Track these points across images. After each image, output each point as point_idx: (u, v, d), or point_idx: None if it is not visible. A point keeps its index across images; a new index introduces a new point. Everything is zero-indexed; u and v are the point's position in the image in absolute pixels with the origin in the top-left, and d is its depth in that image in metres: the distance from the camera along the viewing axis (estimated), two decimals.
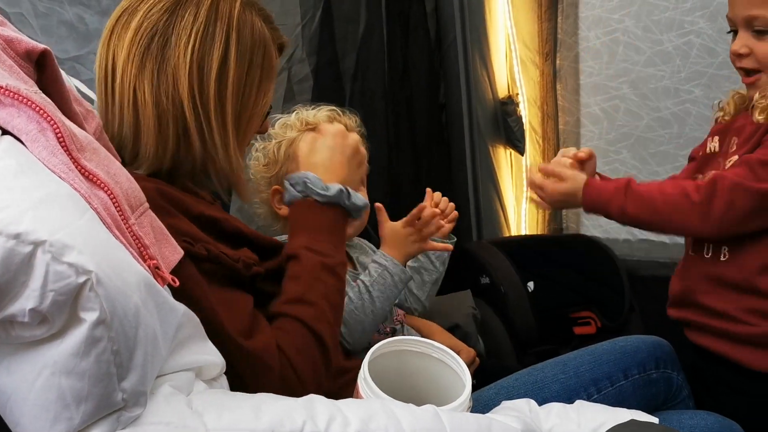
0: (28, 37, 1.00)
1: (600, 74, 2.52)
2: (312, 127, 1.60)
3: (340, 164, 1.42)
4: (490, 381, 1.51)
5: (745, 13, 1.52)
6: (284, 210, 1.63)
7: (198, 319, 1.03)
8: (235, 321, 1.17)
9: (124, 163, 1.15)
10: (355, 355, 1.49)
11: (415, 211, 1.62)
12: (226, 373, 1.11)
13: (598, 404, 1.24)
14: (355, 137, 1.48)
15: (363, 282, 1.52)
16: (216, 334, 1.11)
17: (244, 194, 1.33)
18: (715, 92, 2.33)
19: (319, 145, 1.43)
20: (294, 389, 1.14)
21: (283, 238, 1.55)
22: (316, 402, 0.97)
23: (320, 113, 1.66)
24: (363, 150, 1.51)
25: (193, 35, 1.20)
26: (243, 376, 1.13)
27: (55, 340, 0.77)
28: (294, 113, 1.67)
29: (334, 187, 1.36)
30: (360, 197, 1.40)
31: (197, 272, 1.16)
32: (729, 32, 1.61)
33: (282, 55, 2.02)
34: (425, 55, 2.37)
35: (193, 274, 1.15)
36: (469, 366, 1.23)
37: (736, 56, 1.56)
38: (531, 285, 2.41)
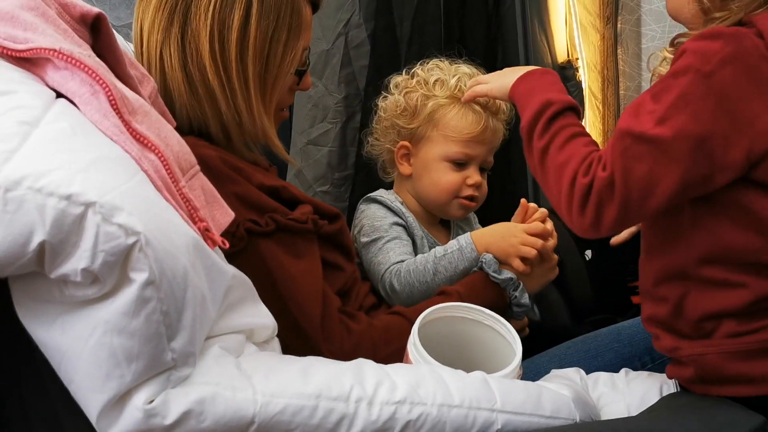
0: None
1: (662, 38, 2.44)
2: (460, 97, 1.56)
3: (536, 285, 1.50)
4: (543, 348, 1.49)
5: None
6: (406, 168, 1.61)
7: (251, 283, 1.04)
8: (313, 304, 1.21)
9: (179, 129, 1.16)
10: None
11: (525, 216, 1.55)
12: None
13: (646, 372, 1.23)
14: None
15: (435, 253, 1.49)
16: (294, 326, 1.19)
17: (282, 155, 1.33)
18: None
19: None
20: None
21: (384, 197, 1.58)
22: (364, 366, 0.97)
23: None
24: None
25: None
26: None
27: (106, 300, 0.79)
28: (455, 77, 1.58)
29: (506, 274, 1.44)
30: (528, 298, 1.45)
31: (272, 250, 1.19)
32: None
33: (339, 19, 2.02)
34: (482, 20, 2.33)
35: (268, 252, 1.19)
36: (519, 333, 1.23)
37: None
38: (589, 253, 2.37)
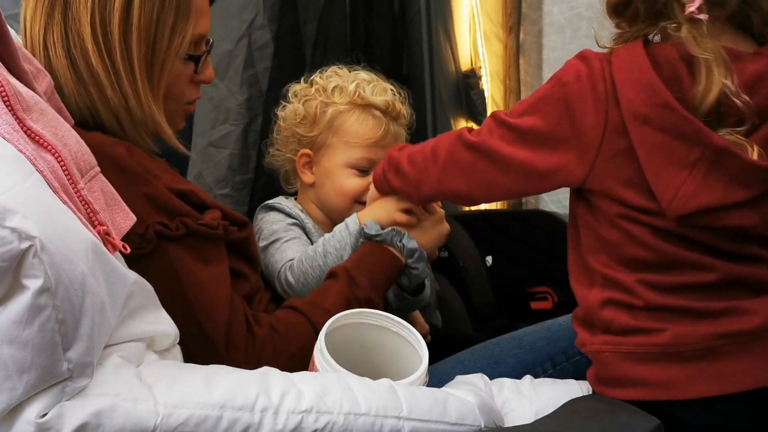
0: None
1: (563, 49, 2.50)
2: (362, 104, 1.56)
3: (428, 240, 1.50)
4: (447, 354, 1.50)
5: None
6: (308, 176, 1.60)
7: (152, 288, 1.00)
8: (220, 311, 1.18)
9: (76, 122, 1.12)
10: None
11: None
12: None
13: (549, 378, 1.25)
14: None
15: (324, 236, 1.49)
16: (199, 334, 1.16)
17: (174, 145, 1.30)
18: None
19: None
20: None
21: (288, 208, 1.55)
22: (270, 375, 0.95)
23: (378, 98, 1.57)
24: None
25: None
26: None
27: None
28: (354, 83, 1.58)
29: (388, 229, 1.43)
30: (413, 241, 1.43)
31: (181, 255, 1.16)
32: None
33: (242, 20, 1.98)
34: (388, 25, 2.34)
35: (177, 257, 1.16)
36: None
37: None
38: (489, 259, 2.41)
